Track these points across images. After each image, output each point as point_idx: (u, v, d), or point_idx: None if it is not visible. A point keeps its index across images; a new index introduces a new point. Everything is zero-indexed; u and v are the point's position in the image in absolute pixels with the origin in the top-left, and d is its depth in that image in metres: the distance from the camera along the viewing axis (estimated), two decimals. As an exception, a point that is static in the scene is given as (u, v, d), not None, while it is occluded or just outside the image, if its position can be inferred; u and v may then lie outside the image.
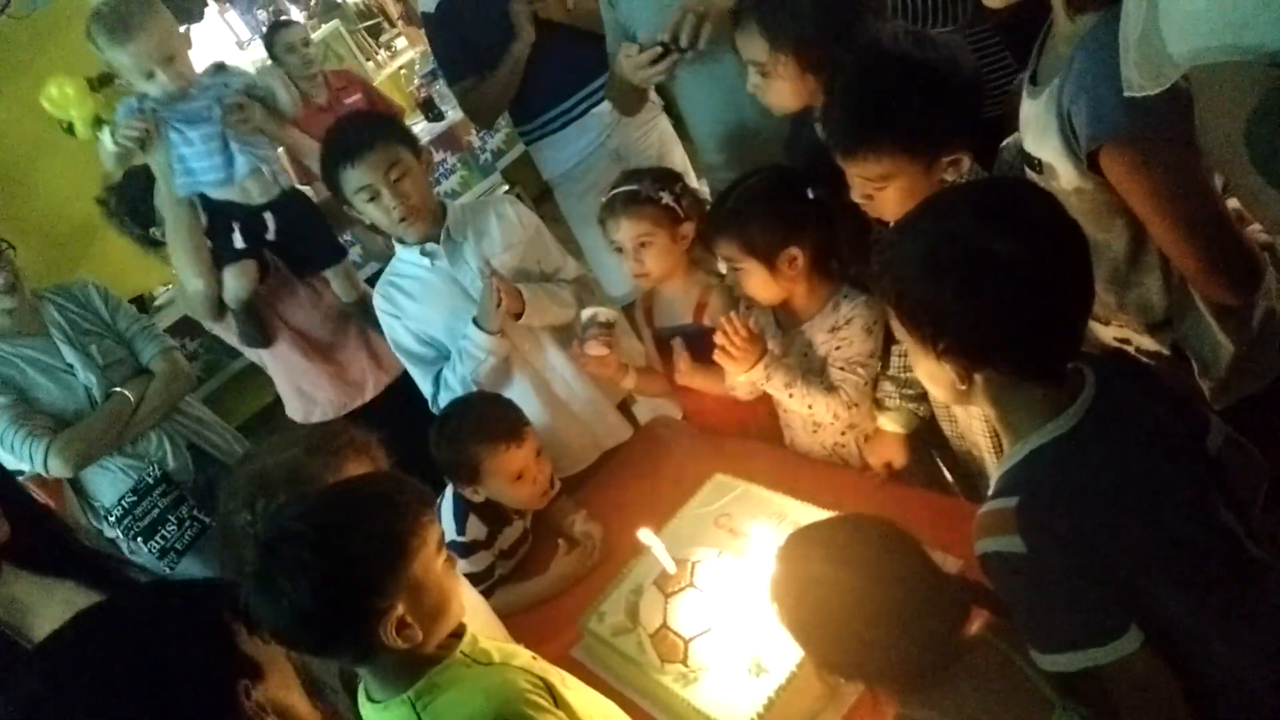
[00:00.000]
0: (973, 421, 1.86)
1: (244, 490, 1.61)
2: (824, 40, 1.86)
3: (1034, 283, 1.10)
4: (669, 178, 2.20)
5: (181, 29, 2.56)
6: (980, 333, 1.15)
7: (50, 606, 1.60)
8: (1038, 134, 1.49)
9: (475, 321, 2.23)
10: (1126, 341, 1.57)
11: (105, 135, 2.45)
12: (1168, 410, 1.23)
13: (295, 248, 2.70)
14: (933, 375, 1.24)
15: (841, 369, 1.96)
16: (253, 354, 2.86)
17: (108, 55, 2.39)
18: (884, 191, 1.66)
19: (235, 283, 2.62)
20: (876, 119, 1.61)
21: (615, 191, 2.15)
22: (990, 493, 1.21)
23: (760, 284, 1.96)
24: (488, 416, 2.11)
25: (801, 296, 2.00)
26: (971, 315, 1.14)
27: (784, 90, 1.97)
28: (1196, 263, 1.41)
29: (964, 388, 1.20)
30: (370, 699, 1.34)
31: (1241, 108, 1.12)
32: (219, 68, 2.56)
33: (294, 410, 2.88)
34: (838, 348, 1.96)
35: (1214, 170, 1.38)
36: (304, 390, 2.84)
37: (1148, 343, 1.58)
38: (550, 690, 1.33)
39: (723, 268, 2.15)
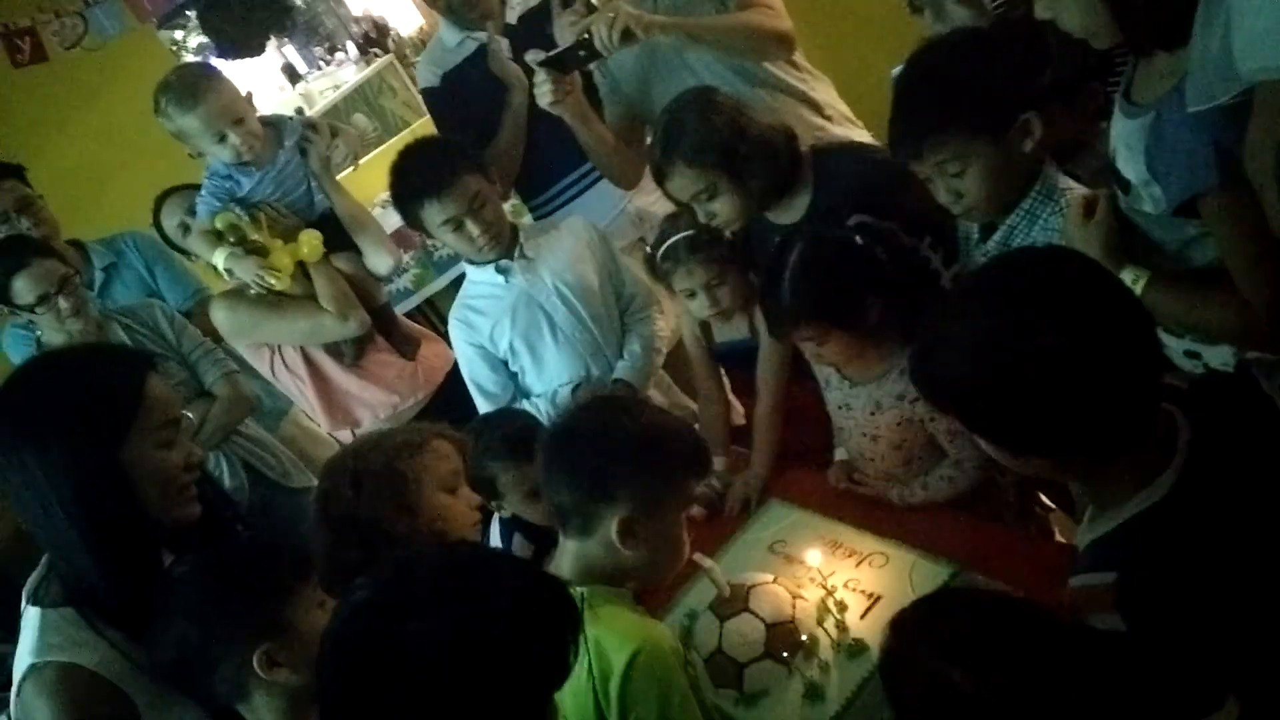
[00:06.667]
0: None
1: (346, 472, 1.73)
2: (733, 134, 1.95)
3: (1097, 362, 1.05)
4: None
5: (245, 67, 2.58)
6: (1070, 432, 1.09)
7: None
8: (1128, 157, 1.46)
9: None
10: (1197, 356, 1.54)
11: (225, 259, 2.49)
12: (1265, 440, 1.19)
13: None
14: (1020, 467, 1.21)
15: (951, 440, 1.89)
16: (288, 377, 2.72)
17: (178, 123, 2.41)
18: (964, 180, 1.63)
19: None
20: (927, 107, 1.62)
21: (673, 240, 2.13)
22: (1081, 562, 1.18)
23: (845, 350, 1.91)
24: (504, 433, 2.09)
25: (870, 353, 1.93)
26: (1055, 419, 1.08)
27: (735, 203, 2.00)
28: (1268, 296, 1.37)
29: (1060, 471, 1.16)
30: None
31: None
32: (276, 123, 2.60)
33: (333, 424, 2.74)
34: (932, 419, 1.88)
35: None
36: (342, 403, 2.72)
37: (1216, 356, 1.55)
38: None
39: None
